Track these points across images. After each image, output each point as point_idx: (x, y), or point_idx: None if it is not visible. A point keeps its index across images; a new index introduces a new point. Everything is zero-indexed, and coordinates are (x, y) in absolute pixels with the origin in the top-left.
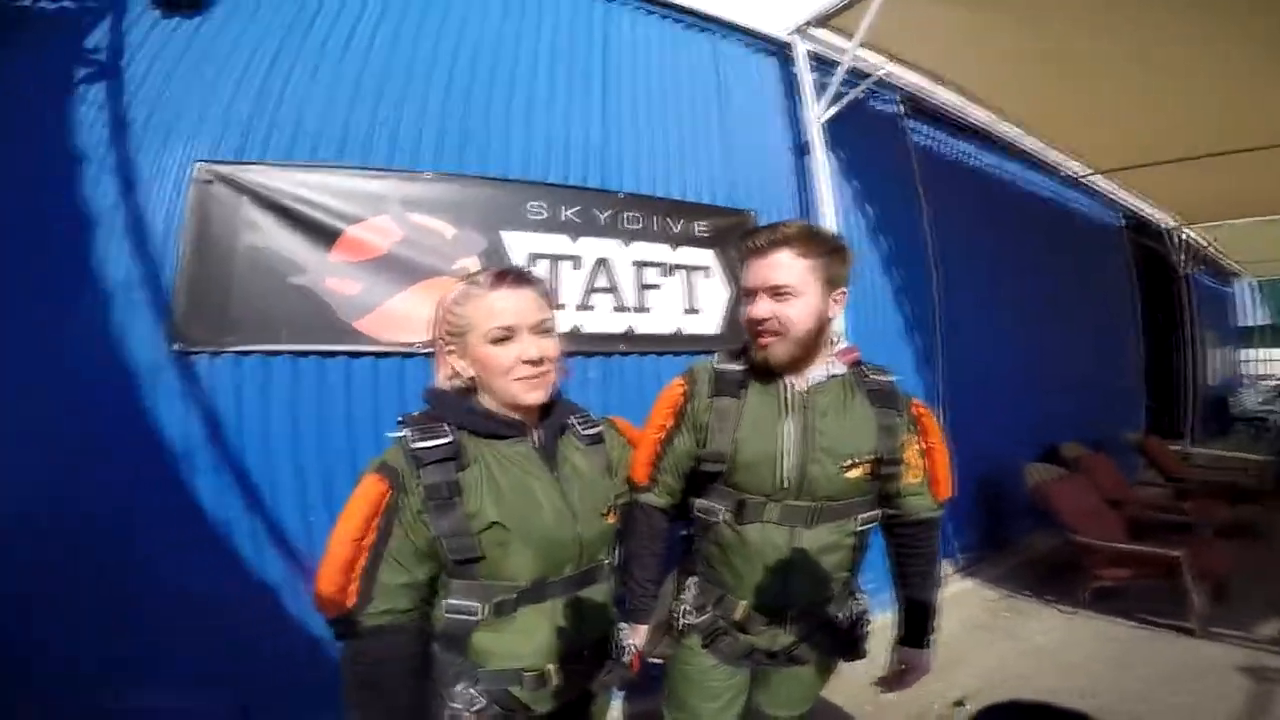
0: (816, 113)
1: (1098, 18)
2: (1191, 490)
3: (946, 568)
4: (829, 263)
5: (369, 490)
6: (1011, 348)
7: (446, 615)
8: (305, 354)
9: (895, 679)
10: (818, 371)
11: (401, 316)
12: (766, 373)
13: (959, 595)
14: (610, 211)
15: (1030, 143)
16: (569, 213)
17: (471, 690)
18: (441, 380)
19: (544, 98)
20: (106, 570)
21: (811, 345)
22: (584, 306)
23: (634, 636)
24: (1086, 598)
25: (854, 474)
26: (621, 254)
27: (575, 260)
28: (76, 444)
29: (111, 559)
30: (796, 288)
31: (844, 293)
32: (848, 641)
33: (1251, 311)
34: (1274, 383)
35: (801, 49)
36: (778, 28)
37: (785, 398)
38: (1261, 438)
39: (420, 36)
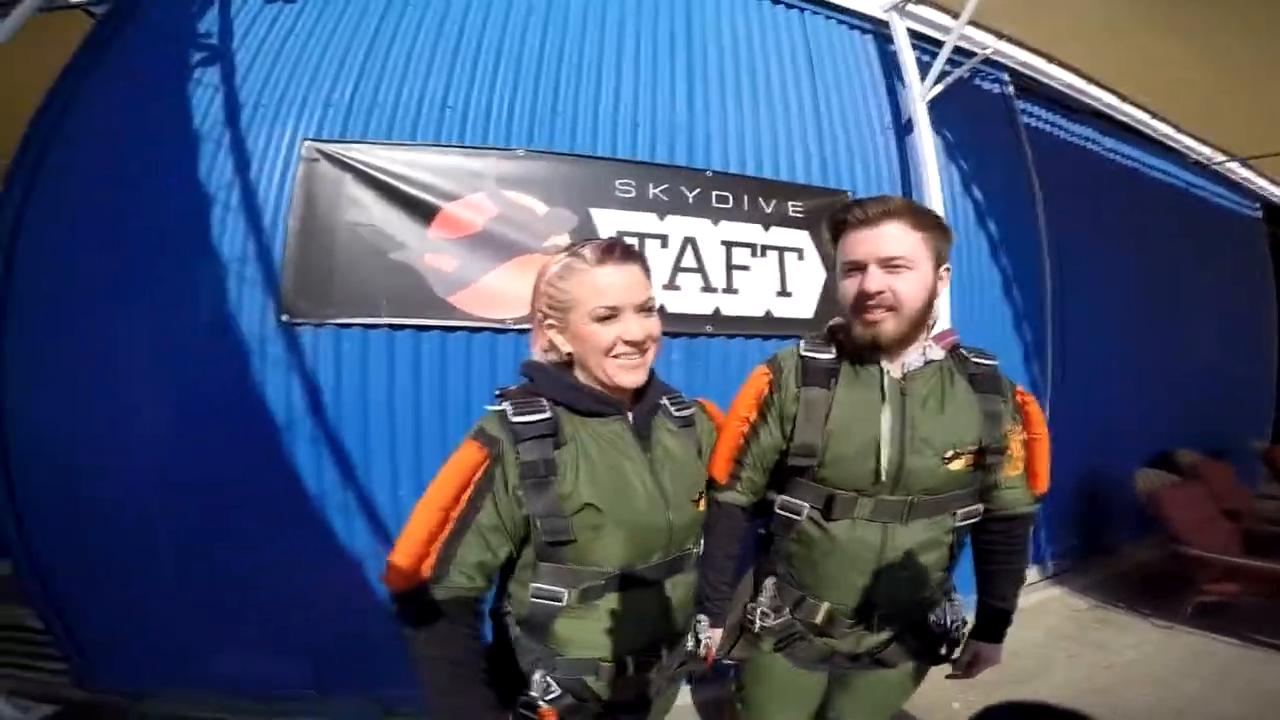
0: (920, 92)
1: None
2: None
3: (1034, 574)
4: (937, 237)
5: (467, 458)
6: (1128, 342)
7: (532, 600)
8: (402, 327)
9: (965, 669)
10: (913, 357)
11: (495, 292)
12: (859, 359)
13: (1045, 603)
14: (698, 190)
15: (1158, 126)
16: (656, 191)
17: (549, 679)
18: (538, 353)
19: (630, 75)
20: (201, 537)
21: (920, 323)
22: (670, 286)
23: (709, 633)
24: (1187, 613)
25: (956, 465)
26: (710, 233)
27: (662, 239)
28: (191, 414)
29: (212, 527)
30: (911, 259)
31: (949, 269)
32: (939, 646)
33: None
34: None
35: (901, 26)
36: (872, 5)
37: (882, 385)
38: None
39: (510, 16)
